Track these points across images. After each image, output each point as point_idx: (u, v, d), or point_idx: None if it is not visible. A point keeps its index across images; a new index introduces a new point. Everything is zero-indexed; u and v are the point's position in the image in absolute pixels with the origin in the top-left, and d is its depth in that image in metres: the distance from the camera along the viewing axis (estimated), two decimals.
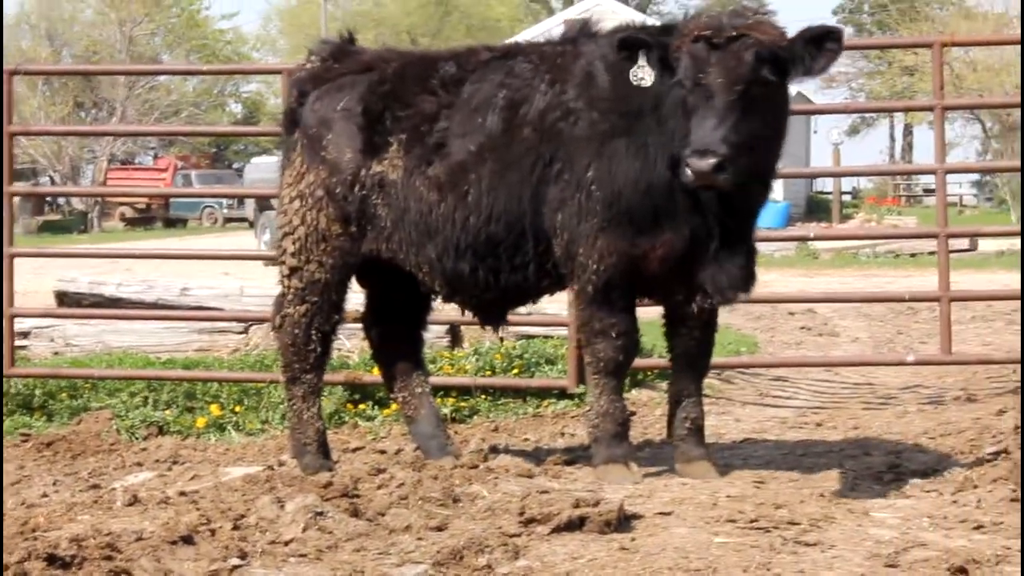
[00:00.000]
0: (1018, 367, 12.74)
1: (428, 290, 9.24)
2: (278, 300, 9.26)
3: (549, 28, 45.92)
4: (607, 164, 8.37)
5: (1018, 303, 17.73)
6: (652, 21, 9.23)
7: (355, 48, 9.46)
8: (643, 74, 8.02)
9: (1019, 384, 12.21)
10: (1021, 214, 12.82)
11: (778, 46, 7.90)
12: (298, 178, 9.11)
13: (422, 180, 8.76)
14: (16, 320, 12.63)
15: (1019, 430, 9.29)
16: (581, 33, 8.91)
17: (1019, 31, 56.80)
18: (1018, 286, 18.95)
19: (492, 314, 9.23)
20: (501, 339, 12.15)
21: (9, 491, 9.43)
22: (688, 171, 7.67)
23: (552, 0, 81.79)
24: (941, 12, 71.41)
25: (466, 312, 9.34)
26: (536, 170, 8.54)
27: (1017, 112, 48.60)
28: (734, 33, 7.82)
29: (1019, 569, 6.37)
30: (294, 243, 9.07)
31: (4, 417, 11.92)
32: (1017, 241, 32.53)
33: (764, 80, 7.85)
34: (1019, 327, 16.48)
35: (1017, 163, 46.73)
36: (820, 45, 8.01)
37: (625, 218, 8.33)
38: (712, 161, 7.60)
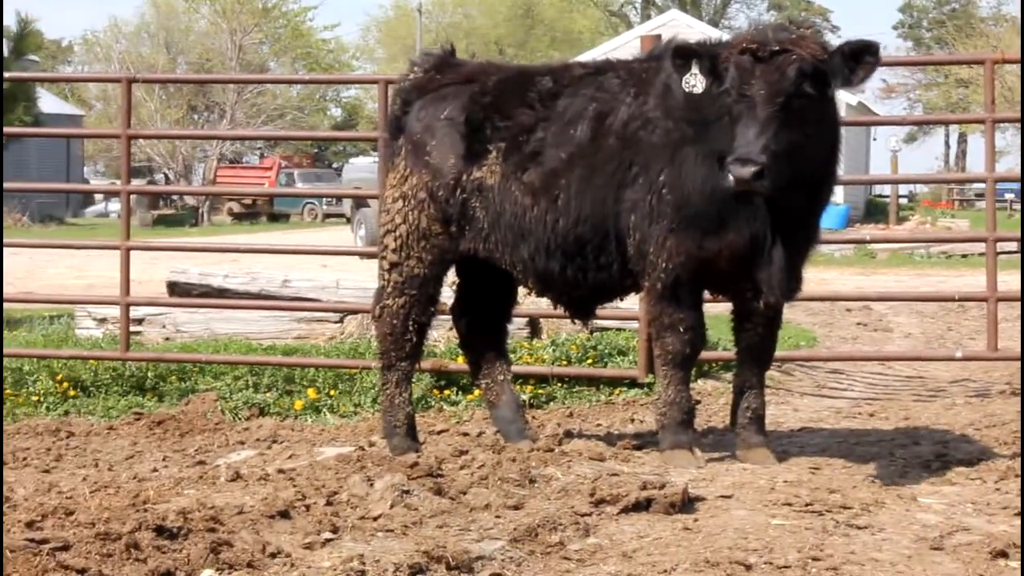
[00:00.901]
0: None
1: (522, 286, 9.30)
2: (378, 292, 9.30)
3: (627, 40, 45.75)
4: (678, 169, 8.37)
5: None
6: (725, 36, 9.19)
7: (456, 60, 9.49)
8: (695, 81, 8.03)
9: None
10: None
11: (819, 60, 7.86)
12: (402, 180, 9.15)
13: (517, 185, 8.78)
14: (131, 308, 12.74)
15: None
16: (666, 51, 8.89)
17: None
18: None
19: (581, 309, 9.25)
20: (581, 331, 12.14)
21: (122, 465, 9.53)
22: (730, 177, 7.66)
23: (631, 14, 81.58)
24: (996, 28, 70.88)
25: (557, 307, 9.36)
26: (618, 175, 8.55)
27: None
28: (777, 48, 7.80)
29: None
30: (395, 240, 9.11)
31: (119, 398, 12.03)
32: None
33: (805, 93, 7.81)
34: None
35: None
36: (859, 59, 7.97)
37: (693, 221, 8.32)
38: (752, 169, 7.57)
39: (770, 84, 7.73)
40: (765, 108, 7.71)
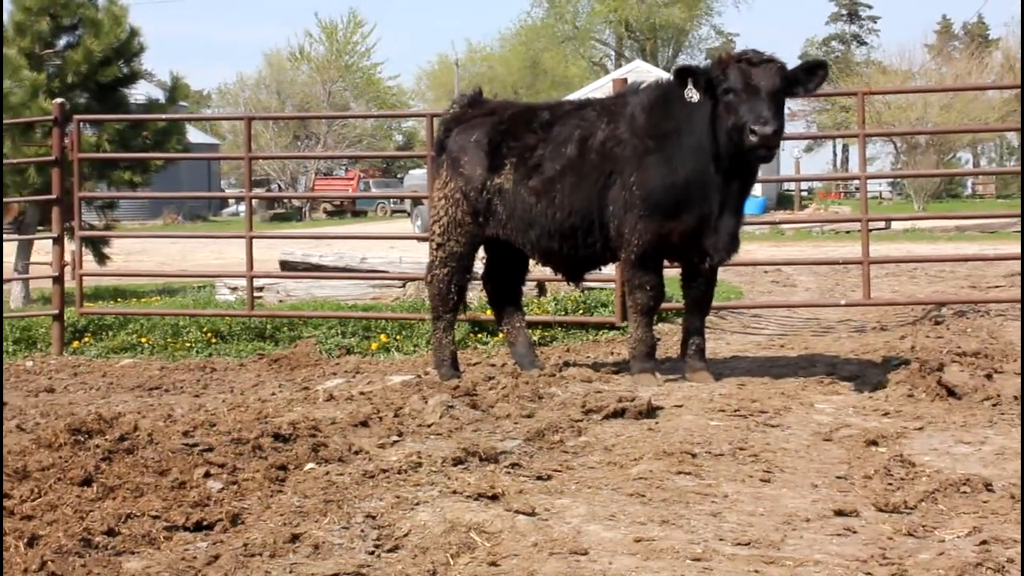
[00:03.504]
0: (916, 307, 12.66)
1: (532, 259, 9.32)
2: (429, 265, 9.34)
3: (604, 83, 45.60)
4: (644, 173, 8.36)
5: (914, 264, 17.63)
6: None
7: (482, 99, 9.55)
8: (692, 94, 8.03)
9: (916, 317, 12.13)
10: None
11: (787, 70, 8.00)
12: (444, 185, 9.19)
13: (525, 189, 8.80)
14: (255, 279, 12.77)
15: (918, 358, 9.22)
16: (629, 91, 8.93)
17: (918, 84, 56.11)
18: (917, 252, 18.77)
19: (574, 276, 9.27)
20: (574, 290, 12.13)
21: (250, 391, 9.57)
22: (753, 137, 7.67)
23: (608, 63, 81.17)
24: (867, 69, 70.66)
25: (557, 274, 9.39)
26: (600, 180, 8.56)
27: (918, 137, 48.02)
28: (766, 57, 7.95)
29: (917, 444, 6.34)
30: (440, 227, 9.16)
31: (247, 343, 12.07)
32: (916, 223, 32.28)
33: (783, 89, 7.95)
34: (916, 280, 16.35)
35: (911, 172, 46.35)
36: (813, 72, 8.14)
37: (656, 208, 8.33)
38: (772, 128, 7.66)
39: (767, 78, 7.84)
40: (768, 90, 7.81)
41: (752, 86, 7.82)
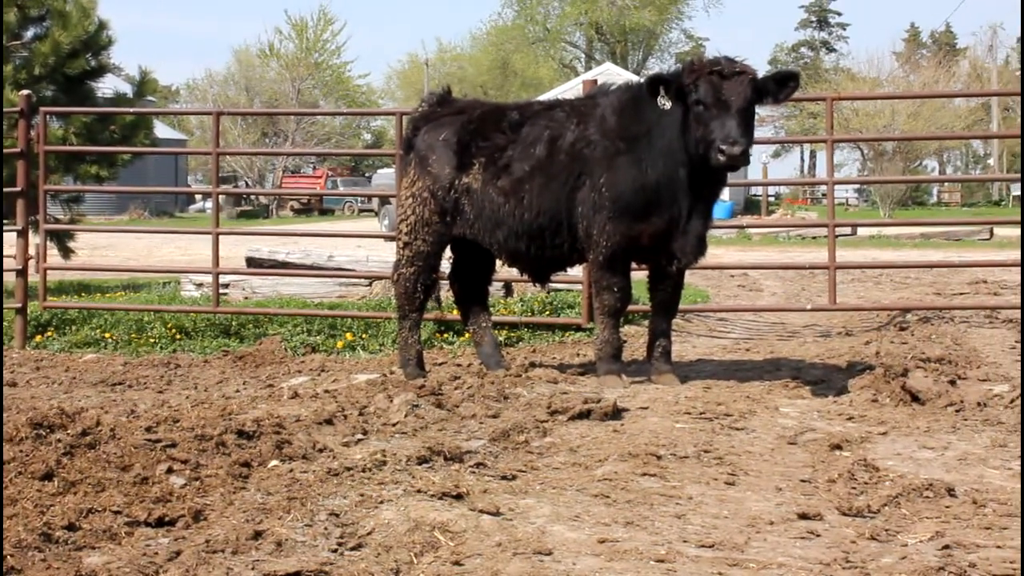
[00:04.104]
0: (881, 312, 12.72)
1: (498, 260, 9.30)
2: (396, 264, 9.30)
3: (574, 84, 45.64)
4: (613, 174, 8.37)
5: (880, 270, 17.73)
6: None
7: (451, 98, 9.49)
8: (664, 101, 8.06)
9: (881, 323, 12.19)
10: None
11: (759, 80, 8.01)
12: (411, 184, 9.15)
13: (494, 188, 8.78)
14: (220, 276, 12.71)
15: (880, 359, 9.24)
16: (599, 92, 8.94)
17: (887, 91, 56.44)
18: (883, 259, 18.87)
19: (540, 277, 9.22)
20: (541, 291, 12.13)
21: (214, 387, 9.49)
22: (721, 156, 7.72)
23: (578, 66, 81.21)
24: (835, 76, 71.01)
25: (523, 275, 9.37)
26: (569, 181, 8.55)
27: (886, 144, 48.29)
28: (738, 70, 7.93)
29: (881, 448, 6.36)
30: (407, 226, 9.11)
31: (212, 340, 12.01)
32: (882, 230, 32.47)
33: (754, 101, 8.00)
34: (881, 287, 16.44)
35: (878, 178, 46.57)
36: (785, 83, 8.15)
37: (625, 210, 8.33)
38: (740, 148, 7.70)
39: (738, 93, 7.85)
40: (737, 107, 7.83)
41: (723, 101, 7.85)
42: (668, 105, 8.07)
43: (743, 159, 7.80)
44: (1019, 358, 9.40)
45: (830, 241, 11.79)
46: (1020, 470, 5.73)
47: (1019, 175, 41.44)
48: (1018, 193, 52.85)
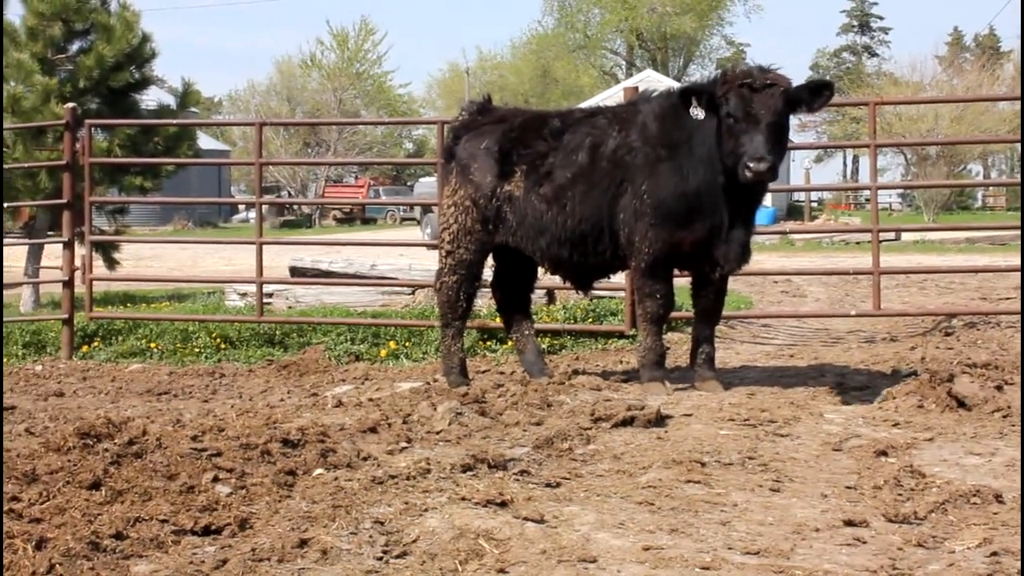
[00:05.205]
0: (926, 318, 12.63)
1: (540, 267, 9.31)
2: (439, 272, 9.33)
3: (615, 91, 45.61)
4: (655, 181, 8.36)
5: (924, 275, 17.60)
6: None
7: (492, 107, 9.52)
8: (697, 112, 8.04)
9: (926, 328, 12.10)
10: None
11: (792, 90, 7.94)
12: (453, 192, 9.18)
13: (536, 196, 8.79)
14: (264, 285, 12.78)
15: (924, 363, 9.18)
16: (640, 99, 8.94)
17: (930, 95, 56.05)
18: (927, 264, 18.73)
19: (583, 284, 9.26)
20: (583, 299, 12.12)
21: (258, 396, 9.56)
22: (748, 173, 7.71)
23: (619, 73, 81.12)
24: (877, 80, 70.65)
25: (566, 282, 9.38)
26: (611, 188, 8.56)
27: (929, 149, 47.97)
28: (768, 81, 7.86)
29: (927, 454, 6.32)
30: (450, 235, 9.15)
31: (256, 349, 12.07)
32: (926, 235, 32.27)
33: (786, 113, 7.94)
34: (926, 291, 16.32)
35: (922, 183, 46.23)
36: (819, 92, 8.10)
37: (667, 217, 8.32)
38: (767, 165, 7.67)
39: (768, 107, 7.80)
40: (767, 122, 7.80)
41: (752, 115, 7.81)
42: (701, 115, 8.05)
43: (770, 175, 7.77)
44: None
45: (874, 246, 11.71)
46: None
47: None
48: None
